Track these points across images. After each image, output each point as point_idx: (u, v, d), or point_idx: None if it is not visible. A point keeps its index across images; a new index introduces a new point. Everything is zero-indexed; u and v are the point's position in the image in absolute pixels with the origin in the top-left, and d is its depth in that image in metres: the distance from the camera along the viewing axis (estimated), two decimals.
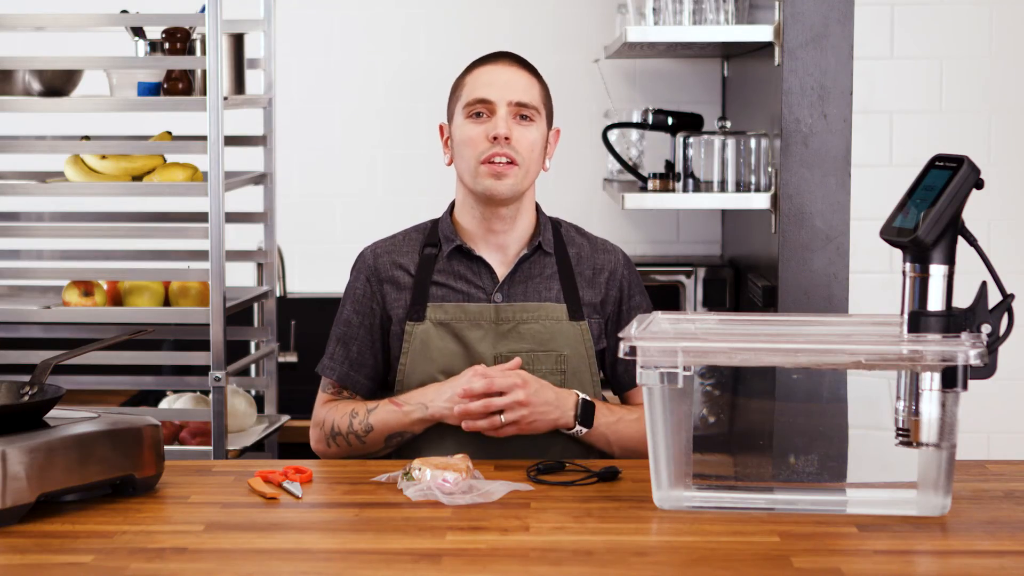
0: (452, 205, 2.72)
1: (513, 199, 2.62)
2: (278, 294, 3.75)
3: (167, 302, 3.31)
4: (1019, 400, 3.67)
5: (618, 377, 2.71)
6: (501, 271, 2.67)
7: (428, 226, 2.73)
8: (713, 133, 3.62)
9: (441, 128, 2.72)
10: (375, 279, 2.69)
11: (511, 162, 2.58)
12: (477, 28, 4.33)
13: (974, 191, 2.15)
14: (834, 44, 3.31)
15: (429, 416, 2.55)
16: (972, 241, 2.17)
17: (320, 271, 4.34)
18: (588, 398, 2.58)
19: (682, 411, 2.21)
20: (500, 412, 2.49)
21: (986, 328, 2.15)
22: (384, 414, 2.58)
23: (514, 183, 2.59)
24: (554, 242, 2.70)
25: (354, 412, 2.61)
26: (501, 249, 2.67)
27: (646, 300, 2.73)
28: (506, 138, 2.58)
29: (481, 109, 2.61)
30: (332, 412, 2.64)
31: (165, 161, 3.29)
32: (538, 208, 2.72)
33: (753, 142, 3.54)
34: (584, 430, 2.56)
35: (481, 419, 2.50)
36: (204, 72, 3.16)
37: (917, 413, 2.14)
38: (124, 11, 3.25)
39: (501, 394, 2.49)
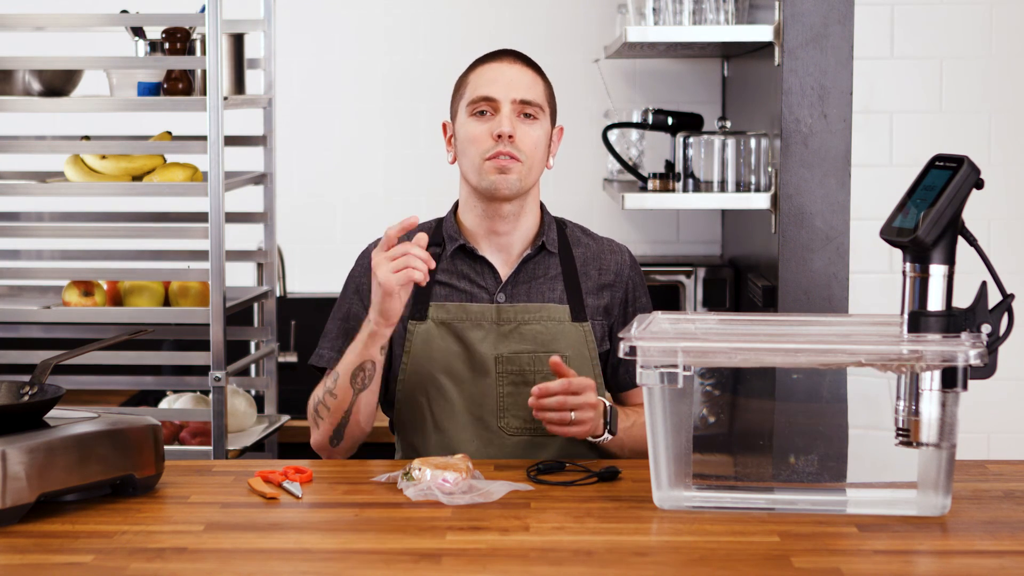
0: (456, 205, 2.71)
1: (516, 196, 2.61)
2: (278, 294, 3.75)
3: (167, 302, 3.31)
4: (1019, 400, 3.67)
5: (618, 378, 2.70)
6: (504, 271, 2.66)
7: (432, 225, 2.72)
8: (713, 133, 3.62)
9: (444, 126, 2.70)
10: None
11: (514, 159, 2.57)
12: (477, 28, 4.33)
13: (974, 191, 2.15)
14: (834, 44, 3.31)
15: (374, 324, 2.46)
16: (972, 241, 2.17)
17: (320, 271, 4.34)
18: (610, 404, 2.55)
19: (682, 411, 2.21)
20: (571, 410, 2.43)
21: (986, 328, 2.15)
22: (343, 357, 2.54)
23: (518, 179, 2.58)
24: (559, 242, 2.69)
25: (328, 377, 2.58)
26: (504, 249, 2.66)
27: (650, 302, 2.72)
28: (510, 136, 2.56)
29: (485, 107, 2.59)
30: (317, 391, 2.62)
31: (165, 161, 3.29)
32: (543, 208, 2.70)
33: (753, 142, 3.54)
34: (610, 437, 2.52)
35: (554, 414, 2.43)
36: (204, 72, 3.16)
37: (917, 413, 2.14)
38: (124, 11, 3.25)
39: (576, 394, 2.43)
